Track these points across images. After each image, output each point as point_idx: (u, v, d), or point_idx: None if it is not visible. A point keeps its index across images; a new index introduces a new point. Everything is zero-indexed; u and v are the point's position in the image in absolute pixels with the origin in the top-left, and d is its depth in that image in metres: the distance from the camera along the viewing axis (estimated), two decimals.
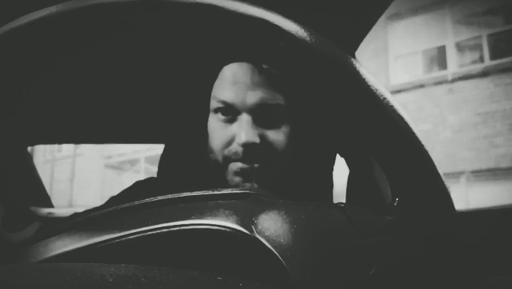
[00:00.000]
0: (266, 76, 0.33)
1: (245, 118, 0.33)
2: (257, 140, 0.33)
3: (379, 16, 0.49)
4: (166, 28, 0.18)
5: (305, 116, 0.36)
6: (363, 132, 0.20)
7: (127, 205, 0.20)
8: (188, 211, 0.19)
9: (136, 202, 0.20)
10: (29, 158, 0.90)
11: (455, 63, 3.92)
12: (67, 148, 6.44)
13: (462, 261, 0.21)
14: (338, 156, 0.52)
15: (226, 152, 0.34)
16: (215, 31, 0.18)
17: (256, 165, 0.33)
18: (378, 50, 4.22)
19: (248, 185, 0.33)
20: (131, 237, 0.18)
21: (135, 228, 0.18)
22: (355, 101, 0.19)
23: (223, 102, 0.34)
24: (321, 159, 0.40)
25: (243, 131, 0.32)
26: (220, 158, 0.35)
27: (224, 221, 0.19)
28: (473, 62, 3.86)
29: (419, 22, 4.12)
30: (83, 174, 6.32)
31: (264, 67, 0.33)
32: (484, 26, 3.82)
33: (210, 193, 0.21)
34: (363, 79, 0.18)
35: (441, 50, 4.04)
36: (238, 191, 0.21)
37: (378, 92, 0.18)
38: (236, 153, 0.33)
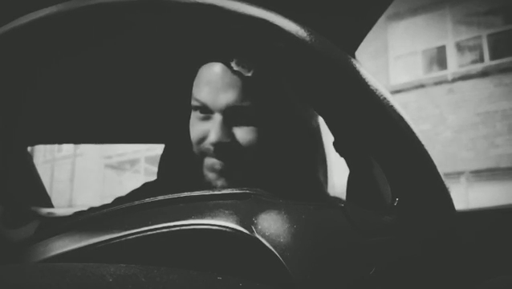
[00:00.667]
0: (237, 78, 0.34)
1: (217, 118, 0.35)
2: (227, 139, 0.35)
3: (379, 16, 0.49)
4: (165, 28, 0.18)
5: (275, 116, 0.37)
6: (364, 132, 0.20)
7: (127, 205, 0.20)
8: (189, 211, 0.19)
9: (136, 202, 0.20)
10: (29, 158, 0.90)
11: (455, 63, 3.92)
12: (67, 148, 6.45)
13: (462, 261, 0.21)
14: (338, 156, 0.52)
15: (201, 147, 0.36)
16: (213, 31, 0.18)
17: (227, 162, 0.35)
18: (378, 50, 4.22)
19: (220, 181, 0.35)
20: (131, 237, 0.18)
21: (135, 228, 0.18)
22: (356, 101, 0.19)
23: (198, 101, 0.36)
24: (295, 157, 0.41)
25: (214, 131, 0.34)
26: (196, 152, 0.37)
27: (224, 221, 0.19)
28: (473, 62, 3.86)
29: (419, 23, 4.12)
30: (83, 174, 6.32)
31: (235, 68, 0.34)
32: (484, 26, 3.82)
33: (210, 193, 0.21)
34: (364, 79, 0.18)
35: (441, 51, 4.04)
36: (238, 191, 0.21)
37: (378, 92, 0.18)
38: (208, 150, 0.36)
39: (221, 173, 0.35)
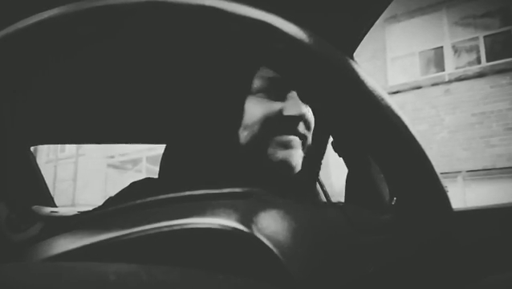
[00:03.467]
0: None
1: (294, 93, 0.35)
2: (306, 113, 0.35)
3: (376, 18, 0.50)
4: (166, 29, 0.18)
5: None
6: (362, 132, 0.20)
7: (129, 204, 0.20)
8: (190, 210, 0.19)
9: (139, 201, 0.20)
10: (32, 158, 0.89)
11: (452, 65, 3.95)
12: (70, 148, 6.43)
13: (459, 259, 0.21)
14: (337, 156, 0.52)
15: (270, 125, 0.35)
16: (213, 33, 0.18)
17: (298, 138, 0.35)
18: (376, 51, 4.24)
19: (295, 157, 0.35)
20: (133, 236, 0.18)
21: (137, 227, 0.18)
22: (354, 102, 0.19)
23: (273, 79, 0.35)
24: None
25: (295, 104, 0.34)
26: (260, 132, 0.35)
27: (224, 220, 0.19)
28: (470, 63, 3.89)
29: (416, 24, 4.15)
30: (85, 174, 6.30)
31: None
32: (480, 27, 3.85)
33: (211, 192, 0.21)
34: (362, 80, 0.18)
35: (438, 52, 4.07)
36: (239, 190, 0.21)
37: (376, 93, 0.19)
38: (281, 126, 0.35)
39: (296, 148, 0.35)
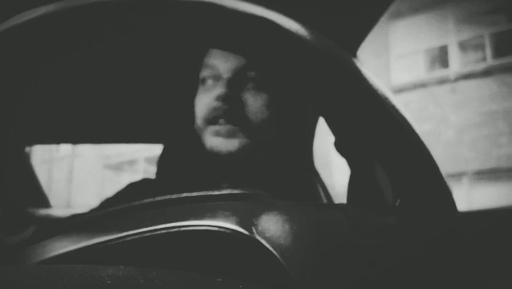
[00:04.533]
0: None
1: (225, 77, 0.35)
2: (234, 94, 0.34)
3: (380, 15, 0.49)
4: (164, 27, 0.18)
5: (283, 90, 0.37)
6: (365, 132, 0.20)
7: (126, 205, 0.20)
8: (188, 212, 0.19)
9: (135, 203, 0.20)
10: (26, 158, 0.89)
11: (457, 63, 3.90)
12: (66, 148, 6.44)
13: (465, 263, 0.21)
14: (339, 156, 0.52)
15: (207, 113, 0.36)
16: (213, 30, 0.18)
17: (236, 127, 0.35)
18: (379, 49, 4.20)
19: (227, 144, 0.34)
20: (129, 238, 0.18)
21: (134, 229, 0.18)
22: (357, 101, 0.18)
23: (208, 66, 0.36)
24: (298, 138, 0.41)
25: (221, 86, 0.34)
26: (201, 123, 0.36)
27: (223, 222, 0.19)
28: (476, 61, 3.84)
29: (420, 21, 4.10)
30: (81, 174, 6.32)
31: None
32: (486, 24, 3.80)
33: (210, 193, 0.21)
34: (365, 79, 0.18)
35: (443, 50, 4.02)
36: (238, 192, 0.21)
37: (379, 92, 0.18)
38: (215, 109, 0.35)
39: (228, 135, 0.34)
